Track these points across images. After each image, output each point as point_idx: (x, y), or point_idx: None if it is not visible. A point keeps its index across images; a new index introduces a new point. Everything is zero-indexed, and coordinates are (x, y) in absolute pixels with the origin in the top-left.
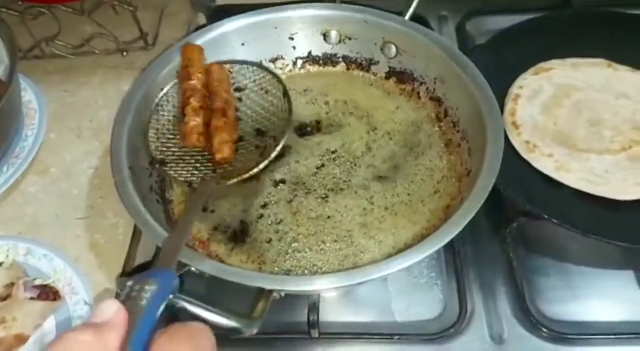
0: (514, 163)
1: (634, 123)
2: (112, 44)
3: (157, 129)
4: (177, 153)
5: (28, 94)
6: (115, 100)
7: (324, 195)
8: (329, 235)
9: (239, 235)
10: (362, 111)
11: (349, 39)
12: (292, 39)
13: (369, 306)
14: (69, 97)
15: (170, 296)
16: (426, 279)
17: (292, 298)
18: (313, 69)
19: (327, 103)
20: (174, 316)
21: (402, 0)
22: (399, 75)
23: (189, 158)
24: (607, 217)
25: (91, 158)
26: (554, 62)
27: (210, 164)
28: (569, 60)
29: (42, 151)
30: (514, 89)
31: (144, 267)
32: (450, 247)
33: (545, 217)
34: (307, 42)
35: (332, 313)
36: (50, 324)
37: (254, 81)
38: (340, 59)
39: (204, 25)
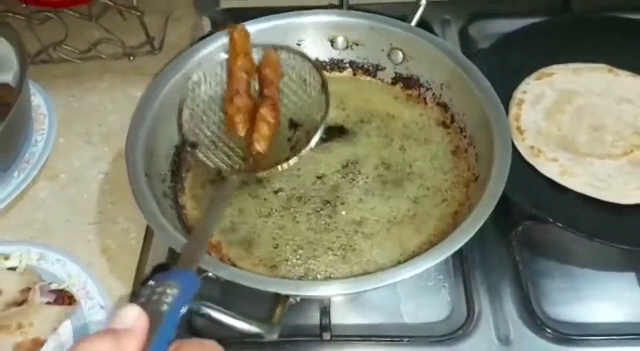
0: (520, 168)
1: (635, 129)
2: (119, 49)
3: (193, 110)
4: (209, 137)
5: (37, 99)
6: (123, 105)
7: (328, 204)
8: (335, 243)
9: (247, 240)
10: (377, 118)
11: (357, 45)
12: (299, 45)
13: (378, 309)
14: (77, 102)
15: (193, 303)
16: (434, 282)
17: (303, 302)
18: None
19: (344, 109)
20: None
21: (407, 5)
22: (406, 81)
23: (221, 144)
24: (611, 221)
25: (101, 164)
26: (556, 67)
27: (240, 152)
28: (571, 66)
29: (52, 157)
30: (517, 94)
31: (164, 267)
32: (458, 251)
33: (551, 221)
34: (315, 48)
35: (342, 316)
36: (66, 329)
37: (293, 68)
38: (348, 65)
39: (211, 33)
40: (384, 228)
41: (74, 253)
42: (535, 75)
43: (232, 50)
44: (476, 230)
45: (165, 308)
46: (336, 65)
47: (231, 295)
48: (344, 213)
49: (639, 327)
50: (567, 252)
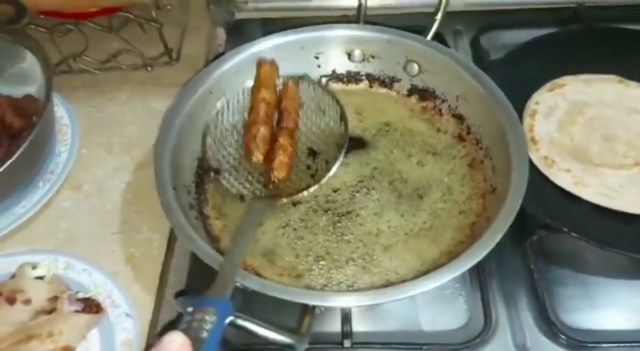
0: (534, 178)
1: None
2: (138, 60)
3: (215, 136)
4: (231, 163)
5: (60, 110)
6: (142, 115)
7: (344, 216)
8: (355, 253)
9: (269, 250)
10: (394, 130)
11: (373, 57)
12: (317, 58)
13: (396, 316)
14: (97, 112)
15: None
16: (451, 290)
17: (325, 310)
18: (337, 86)
19: (361, 121)
20: None
21: (421, 15)
22: (421, 93)
23: (242, 169)
24: (623, 230)
25: (122, 174)
26: (567, 78)
27: (262, 178)
28: (581, 77)
29: (75, 167)
30: (530, 105)
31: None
32: None
33: (565, 230)
34: (332, 61)
35: (362, 323)
36: (94, 336)
37: (312, 99)
38: (364, 77)
39: (222, 54)
40: (401, 240)
41: (99, 262)
42: (547, 86)
43: (258, 81)
44: (495, 243)
45: (205, 334)
46: (352, 77)
47: (250, 302)
48: (360, 225)
49: None
50: (580, 260)
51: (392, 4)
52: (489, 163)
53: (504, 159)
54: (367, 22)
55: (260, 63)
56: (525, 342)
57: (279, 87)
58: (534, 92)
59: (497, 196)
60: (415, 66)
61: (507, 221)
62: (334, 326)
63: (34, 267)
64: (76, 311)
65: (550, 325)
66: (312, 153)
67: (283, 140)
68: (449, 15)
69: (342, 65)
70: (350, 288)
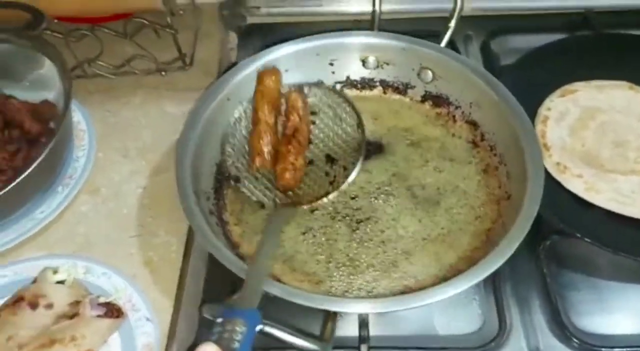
0: (547, 184)
1: None
2: (152, 65)
3: (234, 145)
4: (251, 171)
5: (77, 115)
6: (156, 120)
7: (361, 222)
8: (374, 259)
9: (289, 257)
10: (410, 136)
11: (387, 64)
12: (331, 64)
13: (412, 321)
14: (112, 117)
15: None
16: (465, 295)
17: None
18: (351, 92)
19: (379, 127)
20: None
21: (435, 20)
22: (435, 99)
23: (261, 177)
24: (634, 236)
25: (138, 178)
26: (578, 84)
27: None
28: (593, 83)
29: (92, 171)
30: (542, 110)
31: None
32: None
33: (578, 236)
34: (346, 68)
35: (378, 327)
36: (115, 340)
37: (329, 106)
38: (378, 83)
39: (235, 64)
40: (419, 245)
41: (117, 265)
42: (558, 91)
43: (259, 93)
44: (512, 250)
45: (236, 345)
46: (367, 84)
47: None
48: (378, 231)
49: None
50: (593, 265)
51: (404, 8)
52: (504, 169)
53: (518, 166)
54: (379, 28)
55: (259, 73)
56: (539, 345)
57: (283, 91)
58: (545, 97)
59: (513, 202)
60: (430, 73)
61: (524, 228)
62: (351, 330)
63: (55, 272)
64: (98, 316)
65: (563, 329)
66: (330, 159)
67: (282, 148)
68: (460, 20)
69: (357, 72)
70: (370, 294)
